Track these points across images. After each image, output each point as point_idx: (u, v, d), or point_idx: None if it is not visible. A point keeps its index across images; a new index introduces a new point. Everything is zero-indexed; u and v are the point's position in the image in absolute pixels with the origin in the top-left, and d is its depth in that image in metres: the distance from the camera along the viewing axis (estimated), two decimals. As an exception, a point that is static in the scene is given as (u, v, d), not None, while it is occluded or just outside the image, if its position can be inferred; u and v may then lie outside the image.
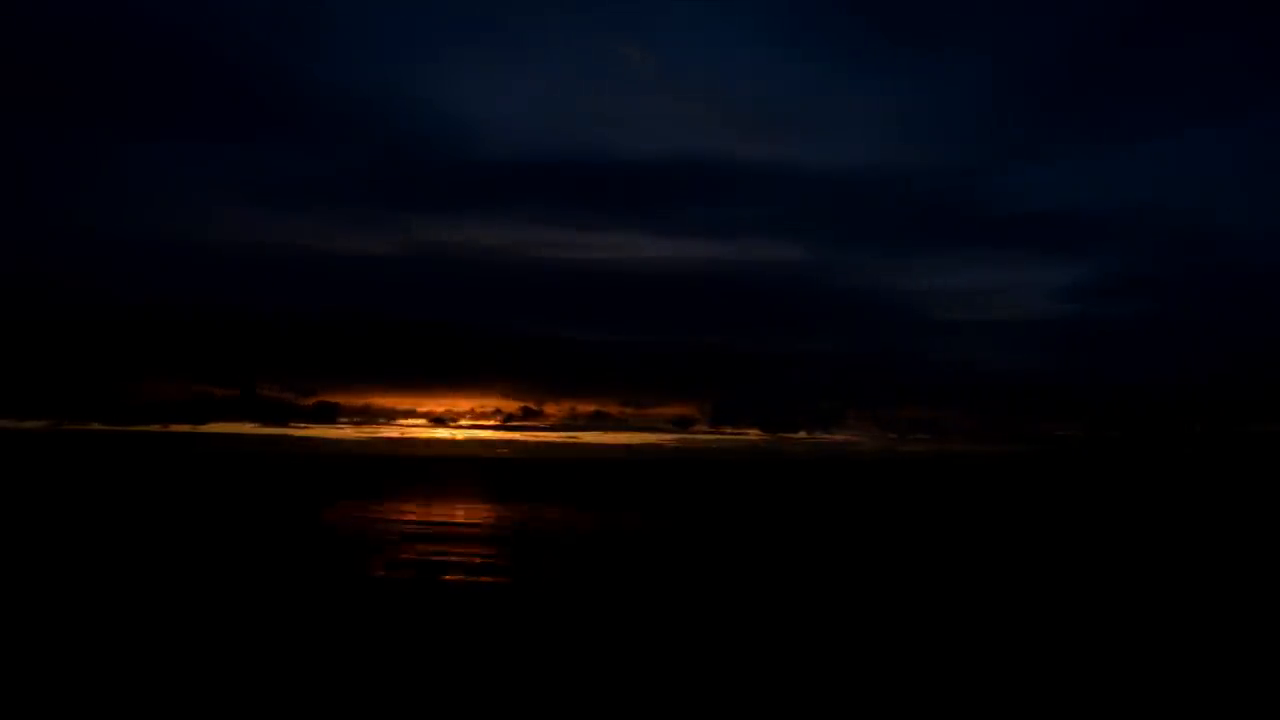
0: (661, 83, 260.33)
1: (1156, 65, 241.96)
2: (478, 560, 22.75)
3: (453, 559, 22.68)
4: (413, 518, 34.87)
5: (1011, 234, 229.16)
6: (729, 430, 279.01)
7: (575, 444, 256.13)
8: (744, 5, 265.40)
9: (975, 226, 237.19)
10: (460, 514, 37.07)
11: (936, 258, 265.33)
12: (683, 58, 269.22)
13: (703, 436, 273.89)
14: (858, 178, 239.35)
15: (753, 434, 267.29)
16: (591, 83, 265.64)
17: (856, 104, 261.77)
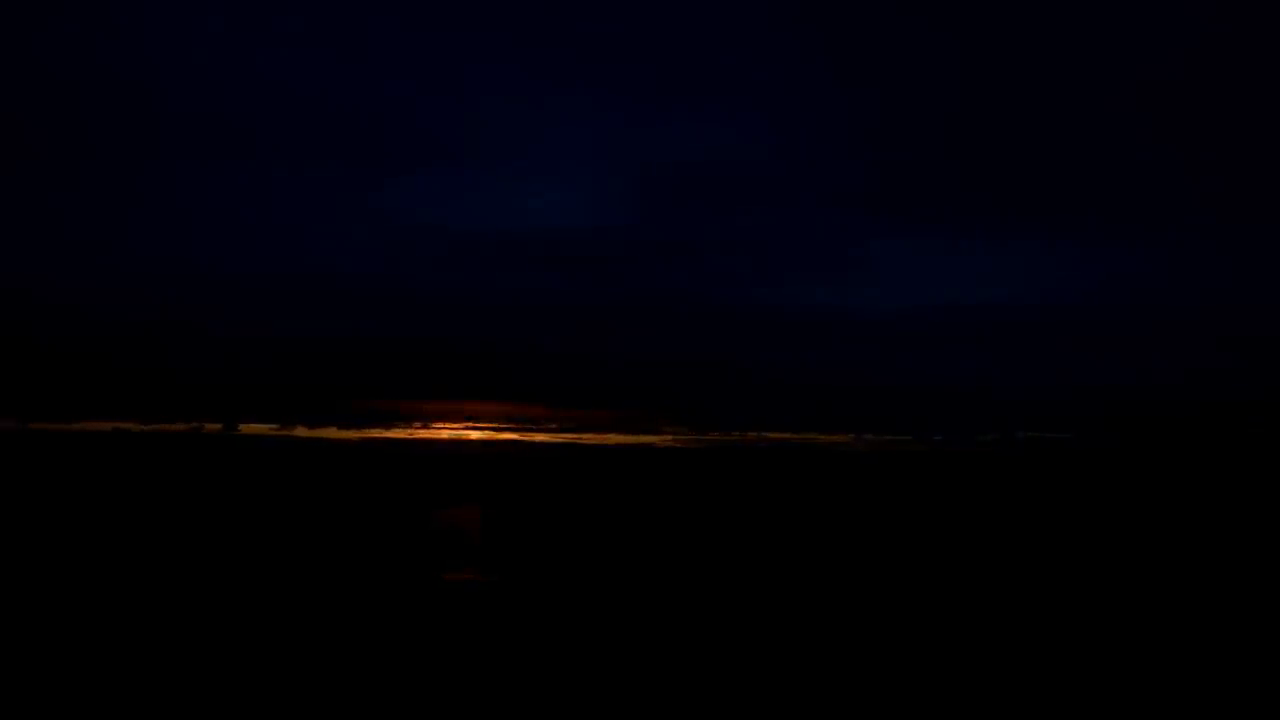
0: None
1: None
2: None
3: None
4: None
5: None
6: (720, 434, 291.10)
7: (576, 444, 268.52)
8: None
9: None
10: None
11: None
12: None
13: (692, 438, 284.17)
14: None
15: (735, 435, 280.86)
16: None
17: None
